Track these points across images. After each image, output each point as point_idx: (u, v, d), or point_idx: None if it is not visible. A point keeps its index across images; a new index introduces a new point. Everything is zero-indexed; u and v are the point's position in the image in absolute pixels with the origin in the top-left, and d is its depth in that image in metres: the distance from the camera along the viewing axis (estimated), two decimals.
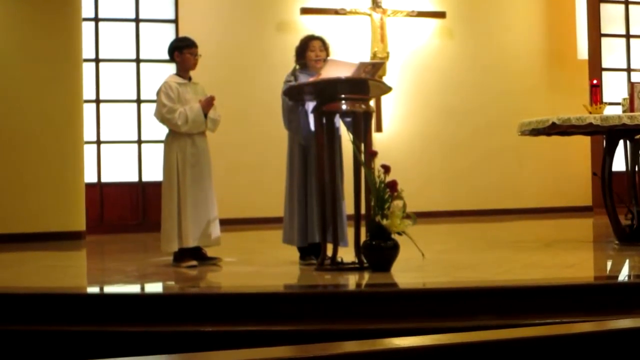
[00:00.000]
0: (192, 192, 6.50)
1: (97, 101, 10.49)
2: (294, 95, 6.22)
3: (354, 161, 6.03)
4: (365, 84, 6.09)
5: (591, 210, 11.60)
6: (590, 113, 7.08)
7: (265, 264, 6.66)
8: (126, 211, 10.54)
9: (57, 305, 5.05)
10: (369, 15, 11.44)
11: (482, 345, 2.52)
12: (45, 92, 9.28)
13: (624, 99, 7.37)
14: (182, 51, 6.67)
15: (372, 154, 5.92)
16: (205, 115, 6.55)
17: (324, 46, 6.53)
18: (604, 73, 11.84)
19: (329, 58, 6.42)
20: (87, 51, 10.10)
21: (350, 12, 11.38)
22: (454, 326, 4.53)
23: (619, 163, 7.50)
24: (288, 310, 4.92)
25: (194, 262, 6.45)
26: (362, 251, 5.91)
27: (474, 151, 11.78)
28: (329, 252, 6.06)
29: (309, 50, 6.50)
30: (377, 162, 5.83)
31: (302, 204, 6.39)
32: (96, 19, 10.54)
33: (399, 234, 5.70)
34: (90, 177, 10.08)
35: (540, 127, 7.12)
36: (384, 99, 11.03)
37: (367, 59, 11.03)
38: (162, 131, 6.89)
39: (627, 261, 6.69)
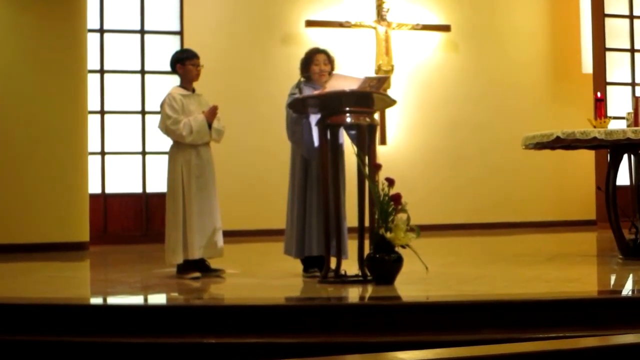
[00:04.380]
0: (197, 203, 6.50)
1: (102, 112, 10.52)
2: (298, 107, 6.23)
3: (358, 174, 6.03)
4: (370, 97, 6.09)
5: (595, 224, 11.59)
6: (595, 127, 7.07)
7: (269, 276, 6.65)
8: (130, 222, 10.56)
9: (60, 316, 5.05)
10: (374, 28, 11.46)
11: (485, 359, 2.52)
12: (50, 103, 9.31)
13: (629, 113, 7.37)
14: (184, 63, 6.68)
15: (376, 167, 5.92)
16: (210, 126, 6.56)
17: (329, 60, 6.54)
18: (609, 87, 11.85)
19: (334, 72, 6.43)
20: (92, 62, 10.14)
21: (355, 25, 11.40)
22: (457, 340, 4.52)
23: (623, 177, 7.50)
24: (291, 323, 4.90)
25: (198, 274, 6.45)
26: (365, 264, 5.89)
27: (478, 164, 11.79)
28: (333, 265, 6.05)
29: (314, 63, 6.50)
30: (381, 175, 5.82)
31: (300, 217, 6.40)
32: (101, 31, 10.58)
33: (403, 247, 5.68)
34: (94, 188, 10.10)
35: (544, 140, 7.11)
36: (389, 111, 11.04)
37: (372, 71, 11.07)
38: (166, 143, 6.90)
39: (631, 275, 6.67)
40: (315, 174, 6.29)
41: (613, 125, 7.51)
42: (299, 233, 6.40)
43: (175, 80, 7.03)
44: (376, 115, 6.41)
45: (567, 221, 11.91)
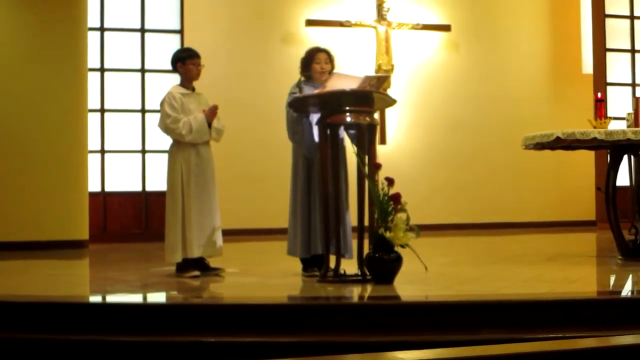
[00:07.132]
0: (196, 202, 6.50)
1: (102, 110, 10.52)
2: (298, 106, 6.22)
3: (358, 173, 6.03)
4: (370, 97, 6.08)
5: (595, 224, 11.59)
6: (595, 127, 7.07)
7: (268, 275, 6.65)
8: (129, 220, 10.55)
9: (59, 314, 5.05)
10: (374, 27, 11.45)
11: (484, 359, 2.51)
12: (50, 101, 9.30)
13: (629, 114, 7.37)
14: (185, 62, 6.68)
15: (376, 167, 5.92)
16: (209, 125, 6.56)
17: (330, 58, 6.53)
18: (609, 88, 11.85)
19: (334, 71, 6.42)
20: (93, 60, 10.13)
21: (356, 25, 11.40)
22: (457, 340, 4.52)
23: (623, 178, 7.50)
24: (290, 322, 4.90)
25: (197, 273, 6.45)
26: (365, 263, 5.89)
27: (477, 164, 11.79)
28: (332, 264, 6.05)
29: (315, 62, 6.49)
30: (381, 175, 5.82)
31: (305, 216, 6.38)
32: (102, 29, 10.58)
33: (402, 246, 5.68)
34: (93, 186, 10.10)
35: (544, 141, 7.11)
36: (388, 111, 11.04)
37: (372, 71, 11.06)
38: (166, 141, 6.90)
39: (631, 276, 6.66)
40: (319, 172, 6.27)
41: (613, 125, 7.51)
42: (304, 232, 6.38)
43: (175, 78, 7.03)
44: (376, 115, 6.40)
45: (566, 221, 11.91)
